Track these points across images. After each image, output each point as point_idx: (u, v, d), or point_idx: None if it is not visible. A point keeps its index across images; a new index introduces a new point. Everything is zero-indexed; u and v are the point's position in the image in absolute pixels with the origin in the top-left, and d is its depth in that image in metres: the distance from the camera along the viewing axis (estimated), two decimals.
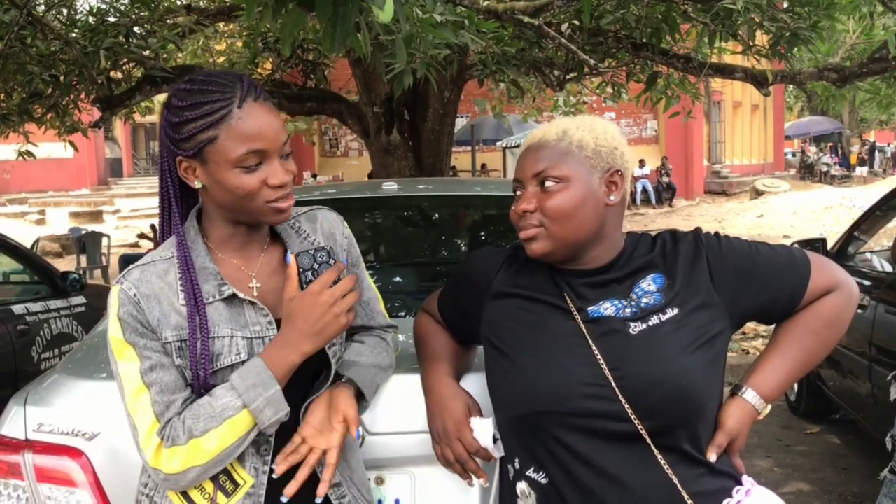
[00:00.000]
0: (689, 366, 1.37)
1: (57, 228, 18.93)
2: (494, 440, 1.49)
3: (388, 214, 3.53)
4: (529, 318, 1.47)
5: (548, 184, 1.43)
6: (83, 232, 13.55)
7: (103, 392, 1.86)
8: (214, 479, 1.40)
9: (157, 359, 1.38)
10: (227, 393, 1.36)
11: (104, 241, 12.82)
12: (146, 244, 15.39)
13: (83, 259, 12.60)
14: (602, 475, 1.36)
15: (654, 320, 1.40)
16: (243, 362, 1.40)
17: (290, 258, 1.42)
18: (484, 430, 1.49)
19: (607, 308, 1.44)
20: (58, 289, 5.33)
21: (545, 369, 1.40)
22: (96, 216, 21.38)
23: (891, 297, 3.75)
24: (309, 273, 1.39)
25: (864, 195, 17.22)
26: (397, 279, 3.12)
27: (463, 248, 3.48)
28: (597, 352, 1.39)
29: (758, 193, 23.53)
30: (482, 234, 3.58)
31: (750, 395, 1.46)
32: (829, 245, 4.86)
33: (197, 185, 1.40)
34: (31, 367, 4.76)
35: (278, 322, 1.43)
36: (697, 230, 1.54)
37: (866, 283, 4.25)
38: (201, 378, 1.38)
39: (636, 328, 1.41)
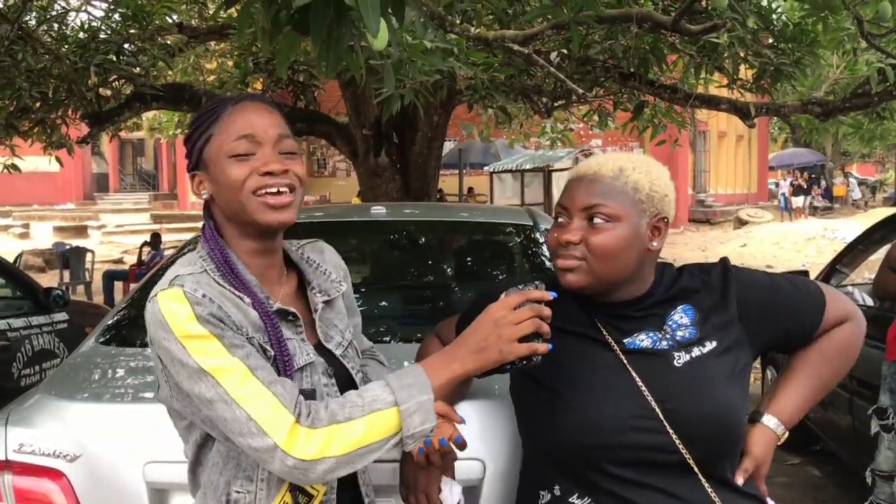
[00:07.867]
0: (732, 398, 1.40)
1: (41, 243, 18.76)
2: None
3: (376, 239, 3.53)
4: (565, 349, 1.43)
5: (597, 220, 1.41)
6: (67, 247, 13.44)
7: (86, 413, 1.85)
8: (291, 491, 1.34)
9: (250, 348, 1.29)
10: (379, 387, 1.29)
11: (88, 256, 12.73)
12: (130, 260, 15.28)
13: (66, 274, 12.49)
14: (651, 490, 1.37)
15: (696, 352, 1.42)
16: (313, 363, 1.38)
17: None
18: (452, 494, 1.46)
19: (643, 340, 1.45)
20: (40, 304, 5.29)
21: (592, 402, 1.40)
22: (81, 231, 21.22)
23: (872, 331, 3.76)
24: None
25: (847, 227, 17.38)
26: (383, 303, 3.11)
27: (449, 273, 3.49)
28: (641, 384, 1.39)
29: (741, 223, 23.69)
30: (469, 259, 3.59)
31: (772, 421, 1.50)
32: (812, 277, 4.90)
33: (204, 195, 1.41)
34: (11, 384, 4.69)
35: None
36: (725, 262, 1.55)
37: None
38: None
39: (680, 360, 1.42)
